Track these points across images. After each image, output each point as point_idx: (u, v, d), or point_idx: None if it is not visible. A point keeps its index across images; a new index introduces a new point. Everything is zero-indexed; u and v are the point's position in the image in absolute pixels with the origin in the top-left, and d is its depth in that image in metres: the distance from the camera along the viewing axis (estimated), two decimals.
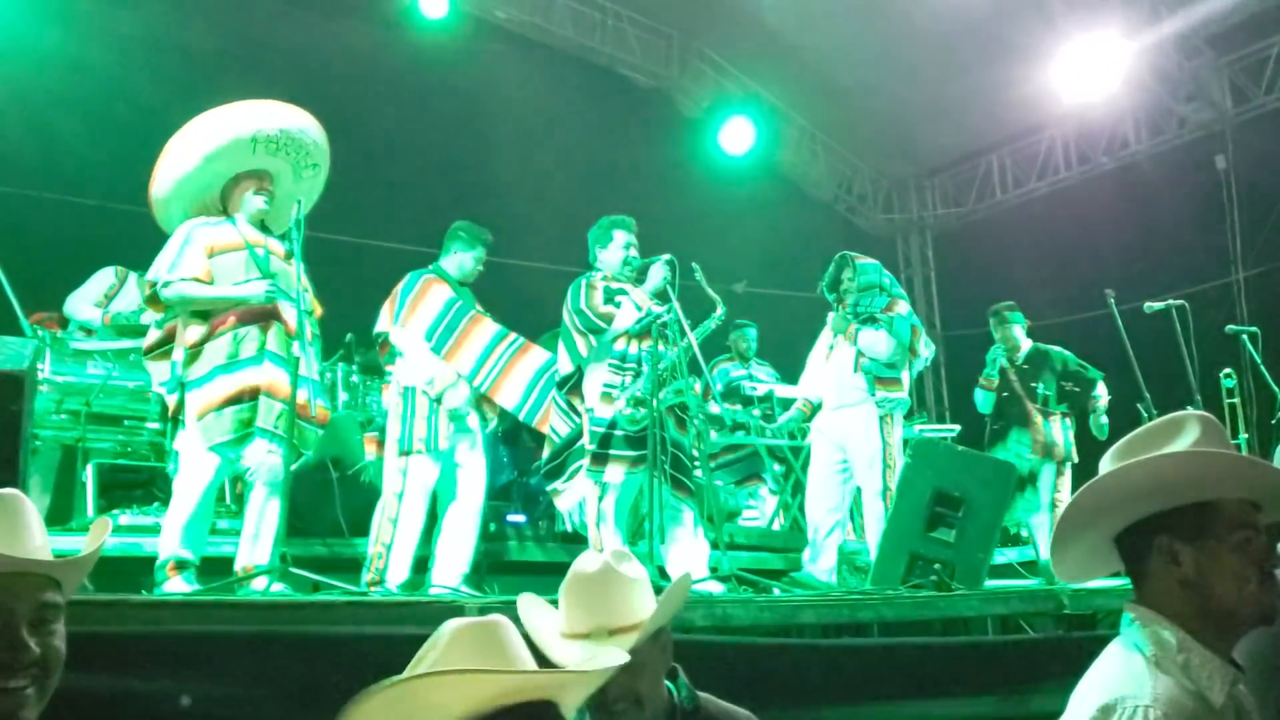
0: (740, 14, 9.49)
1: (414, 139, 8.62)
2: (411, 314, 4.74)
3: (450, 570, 4.55)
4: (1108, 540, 1.66)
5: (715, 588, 4.45)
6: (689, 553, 4.69)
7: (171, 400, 4.04)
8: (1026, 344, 6.79)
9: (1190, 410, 1.68)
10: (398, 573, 4.47)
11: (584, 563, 2.08)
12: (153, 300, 4.10)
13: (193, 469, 3.96)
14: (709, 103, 10.27)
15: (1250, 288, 8.73)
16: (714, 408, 7.00)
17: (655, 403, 4.59)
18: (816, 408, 5.96)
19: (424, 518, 4.61)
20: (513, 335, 4.89)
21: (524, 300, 6.56)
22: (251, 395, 3.95)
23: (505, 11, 9.34)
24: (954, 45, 8.87)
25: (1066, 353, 6.76)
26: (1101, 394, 6.59)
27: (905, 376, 5.44)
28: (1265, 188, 8.74)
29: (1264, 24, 8.78)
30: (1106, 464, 1.66)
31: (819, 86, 10.30)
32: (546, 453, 5.02)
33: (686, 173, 9.99)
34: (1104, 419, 6.52)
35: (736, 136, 10.04)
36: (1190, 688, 1.51)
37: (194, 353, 4.01)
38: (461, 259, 4.91)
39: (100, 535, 1.93)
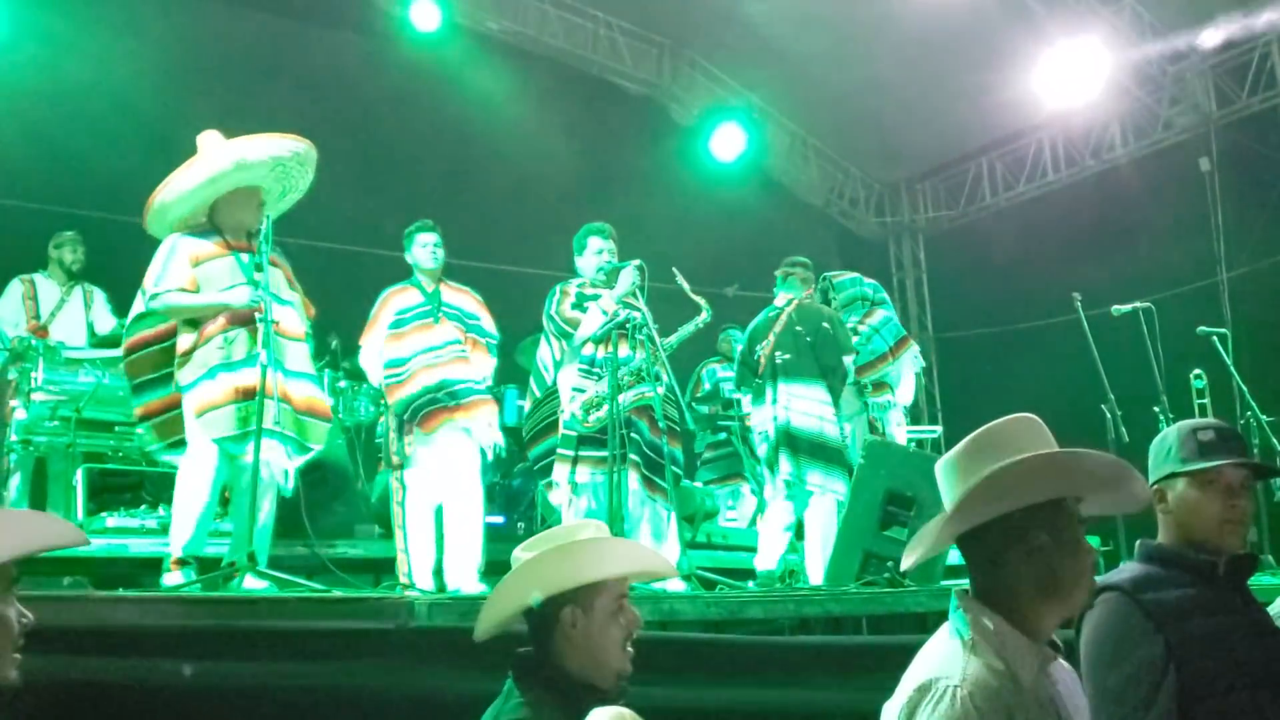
0: (730, 21, 9.63)
1: (407, 149, 8.80)
2: (371, 326, 4.97)
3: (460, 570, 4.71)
4: (951, 538, 1.80)
5: (677, 586, 4.59)
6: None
7: (140, 408, 4.22)
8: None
9: (1024, 414, 1.81)
10: (421, 576, 4.63)
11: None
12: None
13: (193, 470, 4.06)
14: (700, 109, 10.42)
15: (1234, 289, 8.80)
16: (700, 406, 7.18)
17: (619, 404, 4.75)
18: None
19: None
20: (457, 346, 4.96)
21: (519, 306, 6.71)
22: (248, 395, 4.03)
23: (497, 23, 9.51)
24: (941, 51, 8.98)
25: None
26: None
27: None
28: (1249, 189, 8.82)
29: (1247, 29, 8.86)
30: (954, 473, 1.79)
31: (810, 92, 10.42)
32: (531, 454, 5.19)
33: (679, 179, 10.12)
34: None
35: (727, 142, 10.18)
36: (1000, 668, 1.65)
37: (185, 359, 4.14)
38: (413, 256, 5.06)
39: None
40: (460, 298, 5.13)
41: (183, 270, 4.17)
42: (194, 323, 4.18)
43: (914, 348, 6.24)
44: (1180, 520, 2.13)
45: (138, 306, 4.27)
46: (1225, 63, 9.12)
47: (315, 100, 8.11)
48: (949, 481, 1.79)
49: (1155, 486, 2.17)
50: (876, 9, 8.88)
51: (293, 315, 4.32)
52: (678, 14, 9.88)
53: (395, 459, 4.83)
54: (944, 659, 1.67)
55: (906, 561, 1.88)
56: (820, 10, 9.14)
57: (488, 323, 5.15)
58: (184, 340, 4.17)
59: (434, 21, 8.78)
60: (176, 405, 4.19)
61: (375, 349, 4.93)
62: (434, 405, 4.79)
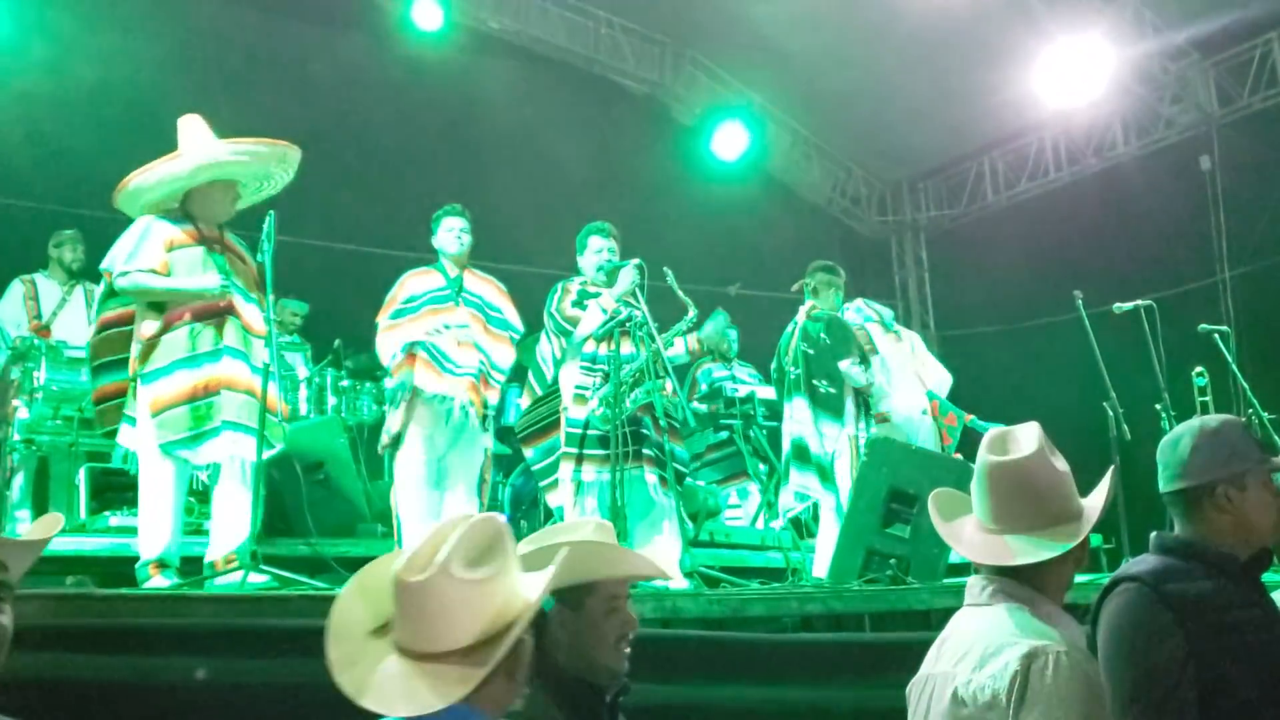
0: (732, 21, 9.62)
1: (410, 148, 8.80)
2: (388, 307, 4.96)
3: None
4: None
5: (680, 583, 4.60)
6: (661, 550, 4.84)
7: (96, 390, 4.21)
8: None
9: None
10: None
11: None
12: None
13: (155, 471, 3.99)
14: (702, 109, 10.40)
15: (1236, 287, 8.79)
16: (699, 406, 7.18)
17: (626, 404, 4.75)
18: None
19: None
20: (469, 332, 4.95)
21: (521, 304, 6.70)
22: (210, 391, 3.97)
23: (499, 22, 9.51)
24: (943, 50, 8.97)
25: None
26: None
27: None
28: (1250, 188, 8.81)
29: (1249, 26, 8.86)
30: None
31: (812, 91, 10.41)
32: (532, 452, 5.18)
33: (681, 178, 10.10)
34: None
35: (729, 142, 10.17)
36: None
37: (150, 345, 4.04)
38: (439, 240, 5.06)
39: (49, 528, 2.10)
40: (484, 287, 5.09)
41: (156, 253, 4.10)
42: (158, 308, 4.10)
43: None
44: (1244, 518, 2.05)
45: (103, 285, 4.25)
46: (1226, 61, 9.11)
47: (317, 99, 8.13)
48: (1034, 487, 1.94)
49: (1215, 486, 2.06)
50: (878, 8, 8.86)
51: (256, 313, 4.27)
52: (680, 13, 9.85)
53: (395, 430, 4.81)
54: (1028, 629, 1.78)
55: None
56: (822, 9, 9.12)
57: (511, 314, 5.12)
58: (147, 326, 4.08)
59: (436, 21, 8.77)
60: (124, 394, 4.11)
61: (385, 326, 4.94)
62: (434, 363, 4.79)
